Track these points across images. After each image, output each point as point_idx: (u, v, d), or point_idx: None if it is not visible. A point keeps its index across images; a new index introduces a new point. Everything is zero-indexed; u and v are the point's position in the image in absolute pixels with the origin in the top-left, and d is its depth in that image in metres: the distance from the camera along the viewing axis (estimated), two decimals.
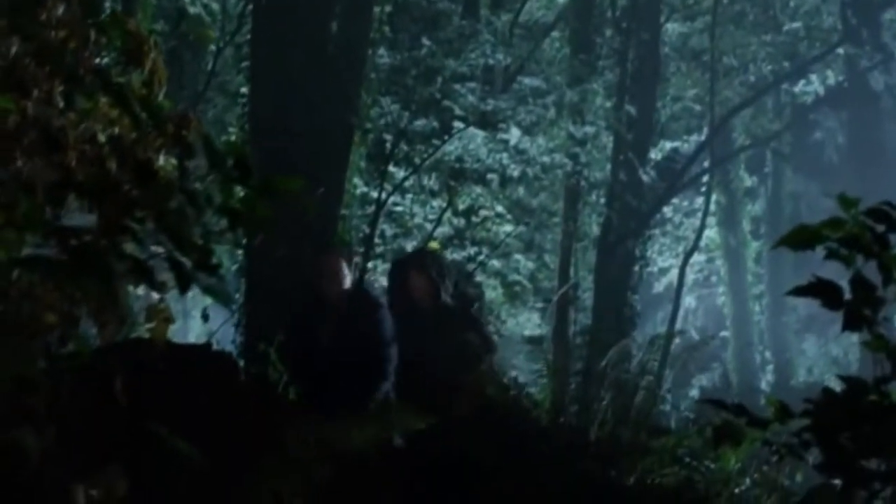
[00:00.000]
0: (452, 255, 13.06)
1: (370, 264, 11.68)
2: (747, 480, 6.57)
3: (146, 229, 2.49)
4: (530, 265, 16.03)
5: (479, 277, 13.78)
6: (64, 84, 2.81)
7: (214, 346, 5.39)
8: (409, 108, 12.60)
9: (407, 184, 13.21)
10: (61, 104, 2.81)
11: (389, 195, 12.31)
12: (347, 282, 6.46)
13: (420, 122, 12.87)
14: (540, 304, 16.70)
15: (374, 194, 12.02)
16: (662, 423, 7.23)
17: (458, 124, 13.14)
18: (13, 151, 2.70)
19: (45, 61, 2.80)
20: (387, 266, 9.30)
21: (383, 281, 9.12)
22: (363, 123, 10.30)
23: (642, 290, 16.39)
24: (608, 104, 15.31)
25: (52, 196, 2.59)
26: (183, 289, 2.43)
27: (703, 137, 18.03)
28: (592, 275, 15.49)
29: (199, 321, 15.78)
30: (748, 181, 26.46)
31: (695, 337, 18.01)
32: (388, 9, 11.48)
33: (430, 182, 13.92)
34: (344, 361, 6.13)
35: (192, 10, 12.82)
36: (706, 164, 18.18)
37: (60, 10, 2.85)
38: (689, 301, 27.92)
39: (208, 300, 2.61)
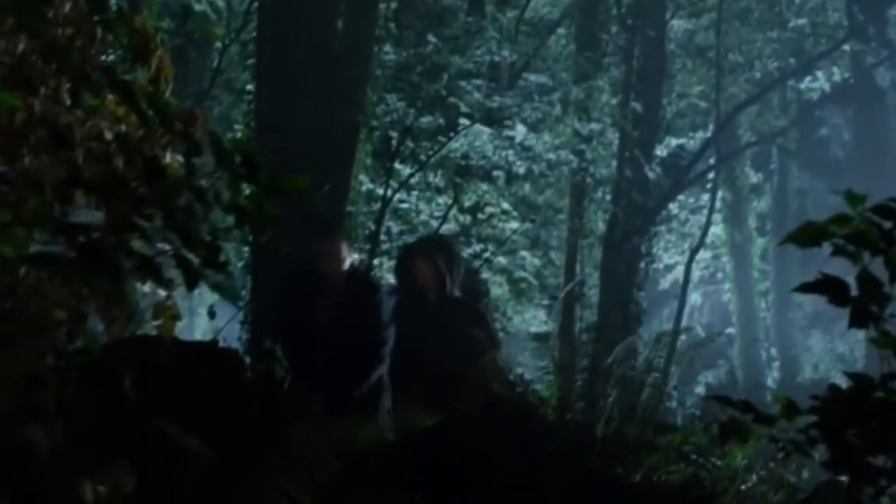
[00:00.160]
0: None
1: (375, 261, 11.68)
2: (754, 477, 6.56)
3: (154, 226, 2.49)
4: (536, 262, 16.03)
5: (484, 274, 13.79)
6: (71, 81, 2.82)
7: (220, 343, 5.40)
8: (415, 105, 12.59)
9: (413, 181, 13.20)
10: (68, 101, 2.82)
11: (395, 192, 12.31)
12: (347, 263, 6.42)
13: (426, 119, 12.87)
14: (546, 301, 16.69)
15: (380, 191, 12.02)
16: (668, 420, 7.22)
17: (463, 121, 13.13)
18: (20, 148, 2.70)
19: (52, 59, 2.80)
20: (392, 263, 9.29)
21: (389, 278, 9.11)
22: (369, 120, 10.30)
23: (648, 287, 16.39)
24: (614, 101, 15.30)
25: (60, 193, 2.59)
26: (191, 286, 2.44)
27: (708, 134, 18.03)
28: (598, 271, 15.48)
29: (205, 318, 15.80)
30: (754, 178, 26.43)
31: (701, 334, 18.03)
32: (393, 5, 11.47)
33: (436, 179, 13.92)
34: (339, 342, 6.07)
35: (197, 7, 12.84)
36: (712, 160, 18.17)
37: (67, 7, 2.85)
38: (694, 298, 27.89)
39: (214, 297, 2.62)
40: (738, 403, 2.83)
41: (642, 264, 15.21)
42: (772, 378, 25.77)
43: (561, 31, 17.22)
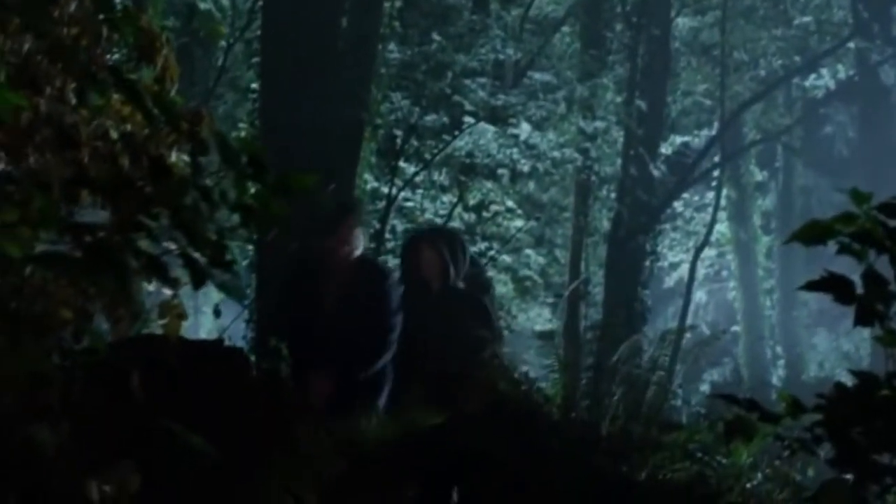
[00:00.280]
0: None
1: (381, 259, 11.68)
2: (759, 475, 6.55)
3: (160, 225, 2.49)
4: (541, 260, 16.04)
5: (489, 272, 13.79)
6: (76, 81, 2.82)
7: (226, 342, 5.40)
8: (420, 104, 12.60)
9: (417, 179, 13.21)
10: (74, 101, 2.82)
11: (400, 190, 12.32)
12: (359, 249, 6.36)
13: (430, 118, 12.87)
14: (551, 300, 16.70)
15: (385, 190, 12.03)
16: (674, 419, 7.20)
17: (468, 119, 13.14)
18: (26, 148, 2.71)
19: (58, 58, 2.81)
20: (397, 261, 9.31)
21: (394, 276, 9.11)
22: (373, 119, 10.31)
23: (653, 285, 16.37)
24: (618, 99, 15.29)
25: (66, 192, 2.60)
26: (197, 285, 2.44)
27: (713, 132, 18.01)
28: (603, 270, 15.48)
29: (210, 317, 15.82)
30: (759, 176, 26.38)
31: (706, 332, 17.98)
32: (398, 4, 11.49)
33: (441, 177, 13.93)
34: (347, 327, 6.02)
35: (202, 6, 12.84)
36: (717, 158, 18.17)
37: (73, 6, 2.86)
38: (699, 296, 27.89)
39: (219, 296, 2.62)
40: (744, 402, 2.83)
41: (647, 262, 15.20)
42: (777, 376, 25.75)
43: (565, 29, 17.23)
